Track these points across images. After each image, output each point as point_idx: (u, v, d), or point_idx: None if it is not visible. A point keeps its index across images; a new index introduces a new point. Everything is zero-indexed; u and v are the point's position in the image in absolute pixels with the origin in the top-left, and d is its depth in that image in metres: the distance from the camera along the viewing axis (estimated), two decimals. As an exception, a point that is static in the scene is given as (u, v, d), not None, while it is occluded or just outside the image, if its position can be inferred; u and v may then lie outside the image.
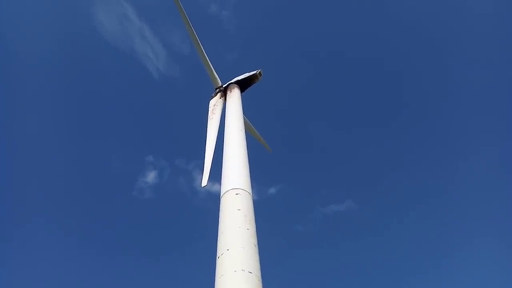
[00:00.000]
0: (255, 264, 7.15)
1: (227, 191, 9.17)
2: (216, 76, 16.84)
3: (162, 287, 38.54)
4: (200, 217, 39.97)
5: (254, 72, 16.56)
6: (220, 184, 9.89)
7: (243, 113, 14.33)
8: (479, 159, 40.41)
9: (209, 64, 16.78)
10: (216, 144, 13.19)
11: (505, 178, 38.21)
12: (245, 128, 13.15)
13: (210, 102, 16.05)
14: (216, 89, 16.61)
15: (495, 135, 40.38)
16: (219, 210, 8.95)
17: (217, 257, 7.50)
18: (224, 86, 16.53)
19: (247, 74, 16.61)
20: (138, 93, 46.47)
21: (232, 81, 16.53)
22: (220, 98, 15.94)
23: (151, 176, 43.60)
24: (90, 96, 44.35)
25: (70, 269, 37.06)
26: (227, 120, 13.26)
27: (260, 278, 6.99)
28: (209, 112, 15.37)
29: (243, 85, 16.42)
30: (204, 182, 11.86)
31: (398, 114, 46.14)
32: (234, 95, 15.31)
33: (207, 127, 14.43)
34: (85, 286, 36.21)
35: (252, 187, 9.62)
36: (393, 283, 37.10)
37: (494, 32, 39.61)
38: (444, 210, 40.57)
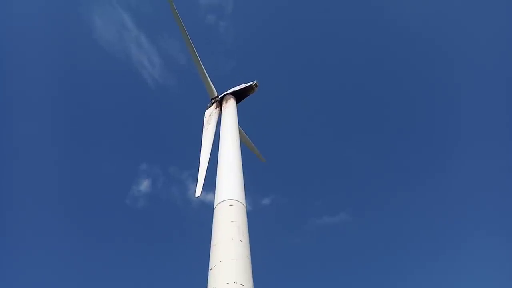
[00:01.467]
0: (247, 277, 7.08)
1: (221, 201, 9.11)
2: (212, 86, 16.89)
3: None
4: (193, 227, 39.67)
5: (250, 83, 16.62)
6: (214, 194, 9.84)
7: (238, 124, 14.34)
8: (475, 167, 40.51)
9: (205, 74, 16.83)
10: (210, 155, 13.15)
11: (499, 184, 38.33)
12: (240, 138, 13.14)
13: (206, 112, 16.06)
14: (212, 99, 16.64)
15: (488, 143, 40.66)
16: (212, 220, 8.88)
17: (209, 269, 7.41)
18: (220, 96, 16.58)
19: (243, 85, 16.67)
20: (133, 101, 46.44)
21: (228, 92, 16.57)
22: (216, 108, 15.96)
23: (144, 185, 43.36)
24: (85, 103, 44.24)
25: (59, 276, 36.45)
26: (222, 130, 13.25)
27: (252, 290, 6.91)
28: (204, 122, 15.37)
29: (239, 96, 16.47)
30: (198, 192, 11.78)
31: (392, 126, 46.46)
32: (230, 106, 15.34)
33: (202, 137, 14.41)
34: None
35: (246, 197, 9.57)
36: None
37: (491, 32, 40.26)
38: (440, 220, 40.58)
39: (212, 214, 9.09)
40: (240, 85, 16.73)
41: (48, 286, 35.43)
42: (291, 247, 41.47)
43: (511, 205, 36.76)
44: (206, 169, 12.56)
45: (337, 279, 39.41)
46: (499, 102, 39.87)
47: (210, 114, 15.70)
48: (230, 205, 8.89)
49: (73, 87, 43.42)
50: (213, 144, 13.71)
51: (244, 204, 9.19)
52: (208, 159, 13.03)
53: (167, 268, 40.45)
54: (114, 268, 39.70)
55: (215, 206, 9.21)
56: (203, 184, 11.94)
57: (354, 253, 41.02)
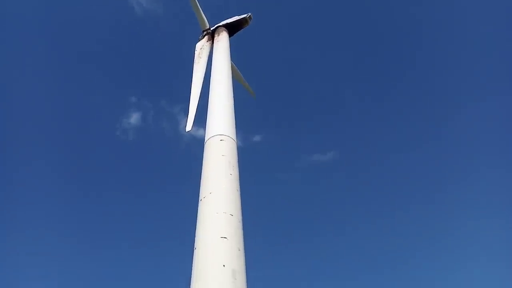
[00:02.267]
0: (236, 207, 7.43)
1: (212, 136, 9.26)
2: (204, 18, 16.25)
3: (143, 226, 39.73)
4: (184, 161, 40.41)
5: (244, 15, 16.03)
6: (205, 129, 9.96)
7: (230, 58, 14.06)
8: (473, 111, 40.36)
9: (196, 5, 16.12)
10: (202, 89, 13.05)
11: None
12: (231, 73, 12.97)
13: (197, 45, 15.62)
14: (204, 31, 16.11)
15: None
16: (203, 155, 9.09)
17: (199, 200, 7.74)
18: (212, 29, 16.04)
19: (236, 18, 16.07)
20: (120, 30, 44.59)
21: (221, 24, 16.01)
22: (208, 41, 15.51)
23: (134, 118, 43.21)
24: (70, 34, 42.37)
25: (49, 209, 37.56)
26: (214, 65, 13.02)
27: (240, 220, 7.30)
28: (195, 55, 15.02)
29: (232, 29, 15.94)
30: (189, 127, 11.89)
31: (392, 65, 45.88)
32: (222, 39, 14.91)
33: (193, 71, 14.18)
34: (64, 226, 36.95)
35: (237, 133, 9.73)
36: (374, 233, 38.86)
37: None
38: (432, 158, 41.40)
39: (203, 148, 9.28)
40: (233, 17, 16.13)
41: (37, 222, 36.48)
42: (280, 184, 42.82)
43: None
44: (197, 104, 12.54)
45: (324, 216, 41.30)
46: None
47: (202, 47, 15.30)
48: (221, 140, 9.06)
49: (56, 17, 41.24)
50: (204, 78, 13.54)
51: (235, 140, 9.36)
52: (199, 93, 12.95)
53: (158, 199, 41.85)
54: (102, 198, 40.87)
55: (206, 140, 9.39)
56: (194, 119, 12.01)
57: (343, 191, 42.58)
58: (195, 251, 6.67)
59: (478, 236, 34.13)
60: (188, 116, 12.20)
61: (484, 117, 39.85)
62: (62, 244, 34.88)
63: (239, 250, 6.52)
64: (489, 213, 35.47)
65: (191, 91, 13.17)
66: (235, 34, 16.09)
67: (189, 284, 6.24)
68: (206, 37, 15.72)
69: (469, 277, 32.67)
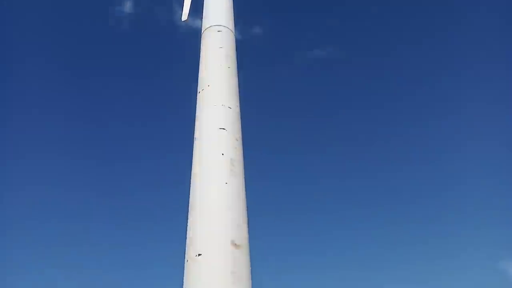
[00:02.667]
0: (234, 100, 7.48)
1: (209, 27, 8.86)
2: None
3: (138, 120, 40.51)
4: (180, 52, 39.39)
5: None
6: (201, 20, 9.50)
7: None
8: None
9: None
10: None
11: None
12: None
13: None
14: None
15: None
16: (200, 47, 8.81)
17: (198, 92, 7.73)
18: None
19: None
20: None
21: None
22: None
23: (127, 6, 40.88)
24: None
25: (43, 96, 37.75)
26: None
27: (238, 113, 7.40)
28: None
29: None
30: (184, 16, 11.31)
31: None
32: None
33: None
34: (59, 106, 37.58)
35: (236, 25, 9.29)
36: (372, 128, 39.68)
37: None
38: (437, 50, 40.32)
39: (200, 40, 8.95)
40: None
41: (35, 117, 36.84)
42: (279, 78, 42.36)
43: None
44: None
45: (324, 107, 41.67)
46: None
47: None
48: (218, 31, 8.69)
49: None
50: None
51: (233, 31, 8.97)
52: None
53: (154, 91, 41.87)
54: (101, 84, 40.88)
55: (202, 31, 9.00)
56: (190, 7, 11.36)
57: (343, 85, 42.29)
58: (195, 142, 6.89)
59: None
60: (184, 4, 11.52)
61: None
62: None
63: (237, 140, 6.73)
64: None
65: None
66: None
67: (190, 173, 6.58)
68: None
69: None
